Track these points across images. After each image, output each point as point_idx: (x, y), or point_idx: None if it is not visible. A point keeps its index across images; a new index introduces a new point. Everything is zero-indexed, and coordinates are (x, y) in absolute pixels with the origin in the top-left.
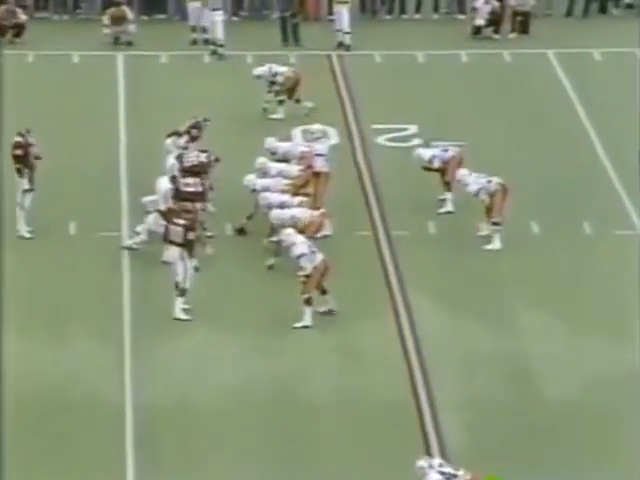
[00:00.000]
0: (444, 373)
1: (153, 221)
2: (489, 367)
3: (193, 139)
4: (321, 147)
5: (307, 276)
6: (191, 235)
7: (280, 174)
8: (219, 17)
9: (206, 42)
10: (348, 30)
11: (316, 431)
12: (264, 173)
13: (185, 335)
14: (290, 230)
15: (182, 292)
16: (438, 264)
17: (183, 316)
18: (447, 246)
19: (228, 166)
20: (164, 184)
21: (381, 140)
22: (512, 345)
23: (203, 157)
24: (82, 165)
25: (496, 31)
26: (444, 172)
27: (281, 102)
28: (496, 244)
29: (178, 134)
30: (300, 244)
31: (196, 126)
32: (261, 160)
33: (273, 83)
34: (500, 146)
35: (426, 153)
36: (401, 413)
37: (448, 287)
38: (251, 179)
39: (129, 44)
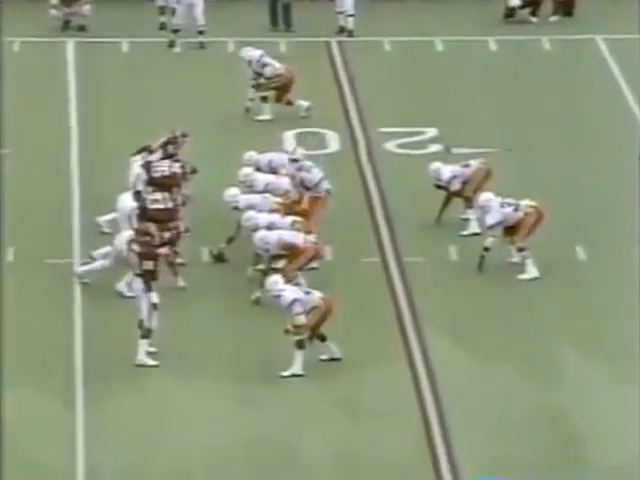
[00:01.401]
0: (468, 431)
1: (120, 242)
2: (523, 424)
3: (168, 157)
4: (310, 178)
5: (298, 326)
6: (148, 265)
7: (268, 188)
8: (196, 1)
9: (174, 32)
10: (351, 12)
11: None
12: (249, 187)
13: (149, 384)
14: (276, 277)
15: (147, 333)
16: (461, 297)
17: (148, 361)
18: (472, 275)
19: (205, 178)
20: (128, 202)
21: (391, 146)
22: (551, 397)
23: (176, 167)
24: (24, 178)
25: (534, 13)
26: (462, 192)
27: (265, 99)
28: (531, 272)
29: (149, 150)
30: (290, 290)
31: (172, 142)
32: (246, 171)
33: (259, 75)
34: (538, 155)
35: (445, 172)
36: (415, 474)
37: (473, 325)
38: (233, 194)
39: (82, 29)
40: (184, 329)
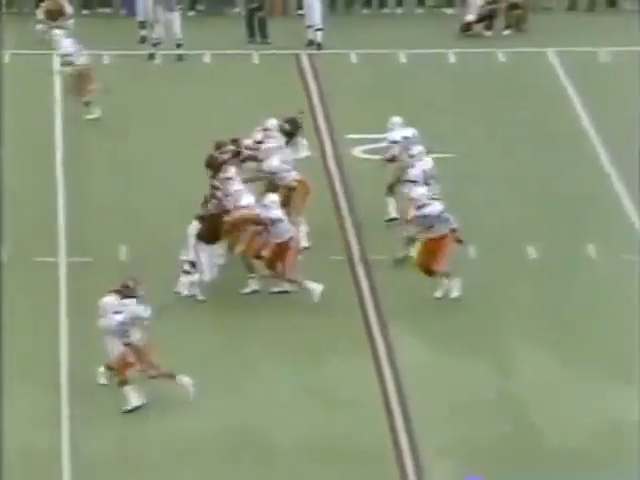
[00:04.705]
0: (428, 417)
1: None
2: (479, 410)
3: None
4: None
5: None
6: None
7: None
8: (175, 16)
9: (154, 45)
10: (320, 26)
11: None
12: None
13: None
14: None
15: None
16: (422, 293)
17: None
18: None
19: (190, 183)
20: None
21: (357, 152)
22: (506, 386)
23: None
24: (11, 182)
25: (488, 27)
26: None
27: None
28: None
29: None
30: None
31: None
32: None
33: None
34: (493, 157)
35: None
36: (379, 462)
37: (433, 319)
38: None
39: None
40: (165, 321)
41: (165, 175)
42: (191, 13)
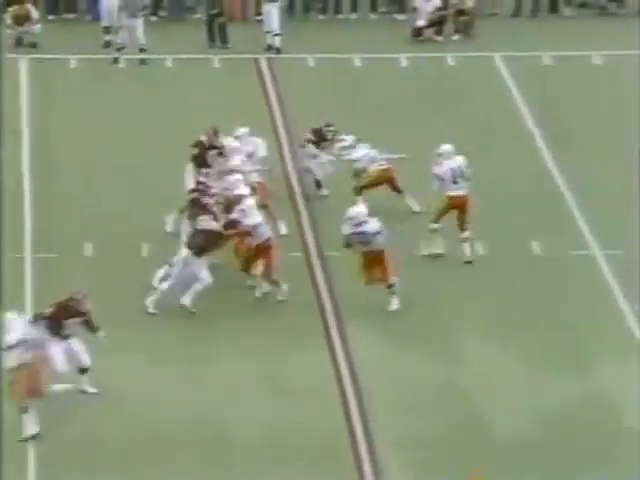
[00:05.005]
0: (382, 406)
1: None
2: (431, 400)
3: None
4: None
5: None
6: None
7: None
8: (138, 22)
9: (118, 49)
10: (278, 31)
11: (240, 469)
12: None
13: (93, 364)
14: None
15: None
16: (376, 288)
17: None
18: None
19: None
20: None
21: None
22: (456, 376)
23: None
24: None
25: (438, 32)
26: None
27: None
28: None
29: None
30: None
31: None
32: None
33: None
34: None
35: (360, 151)
36: (335, 450)
37: (386, 313)
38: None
39: (33, 46)
40: (127, 314)
41: (129, 174)
42: (154, 19)
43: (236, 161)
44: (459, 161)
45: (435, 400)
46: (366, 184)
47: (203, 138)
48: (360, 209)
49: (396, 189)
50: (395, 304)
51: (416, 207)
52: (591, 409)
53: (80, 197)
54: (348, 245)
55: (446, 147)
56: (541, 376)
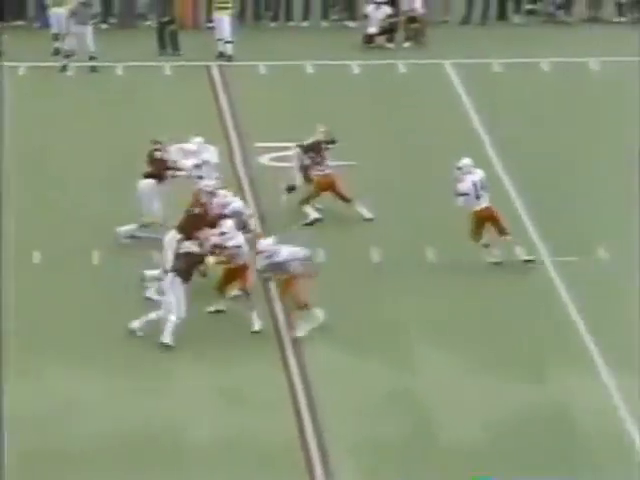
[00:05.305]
0: (334, 413)
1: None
2: (383, 407)
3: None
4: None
5: None
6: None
7: None
8: (87, 30)
9: (66, 57)
10: (230, 39)
11: (193, 477)
12: None
13: (48, 371)
14: None
15: None
16: (328, 296)
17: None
18: (338, 276)
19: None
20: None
21: (265, 159)
22: (408, 383)
23: None
24: None
25: (390, 40)
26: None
27: None
28: None
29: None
30: None
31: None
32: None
33: None
34: (392, 164)
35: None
36: (288, 457)
37: (339, 321)
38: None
39: None
40: (78, 320)
41: (77, 183)
42: (104, 26)
43: (188, 163)
44: (480, 174)
45: (387, 407)
46: (308, 196)
47: (158, 154)
48: (268, 241)
49: (342, 198)
50: (301, 331)
51: (367, 214)
52: (541, 415)
53: (29, 202)
54: (266, 279)
55: (466, 161)
56: (492, 382)
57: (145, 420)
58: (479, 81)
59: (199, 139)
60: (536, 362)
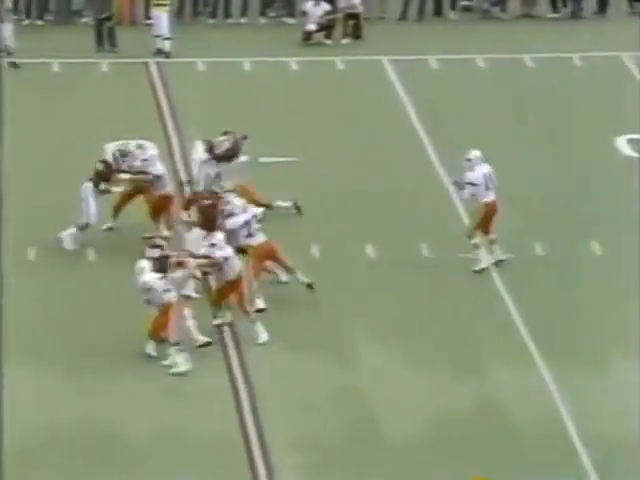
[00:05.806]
0: (276, 409)
1: None
2: (324, 402)
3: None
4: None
5: None
6: None
7: None
8: (5, 27)
9: None
10: (168, 35)
11: (132, 471)
12: None
13: None
14: None
15: None
16: (272, 291)
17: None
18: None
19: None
20: None
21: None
22: (349, 378)
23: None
24: None
25: (328, 36)
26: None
27: None
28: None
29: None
30: None
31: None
32: None
33: None
34: (332, 161)
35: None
36: (229, 453)
37: (279, 317)
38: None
39: None
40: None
41: (9, 183)
42: (40, 22)
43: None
44: (488, 167)
45: (328, 402)
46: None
47: (108, 159)
48: (143, 263)
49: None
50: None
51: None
52: (482, 411)
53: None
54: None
55: (475, 152)
56: (433, 379)
57: (77, 414)
58: (416, 77)
59: (142, 142)
60: (477, 358)
